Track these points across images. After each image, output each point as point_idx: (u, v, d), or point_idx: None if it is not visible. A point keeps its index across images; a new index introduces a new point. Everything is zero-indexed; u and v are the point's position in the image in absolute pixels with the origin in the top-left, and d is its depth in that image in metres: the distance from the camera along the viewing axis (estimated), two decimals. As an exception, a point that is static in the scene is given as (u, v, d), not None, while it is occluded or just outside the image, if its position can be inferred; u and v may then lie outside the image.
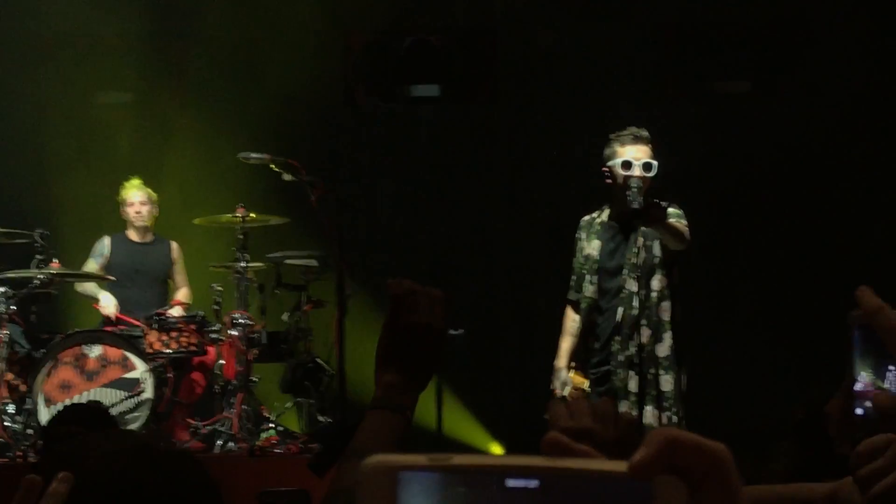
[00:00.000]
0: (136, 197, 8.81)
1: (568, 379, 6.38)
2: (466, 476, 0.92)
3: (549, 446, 0.97)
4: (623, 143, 6.20)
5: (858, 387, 1.75)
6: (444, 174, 10.19)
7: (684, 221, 6.12)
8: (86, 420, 3.71)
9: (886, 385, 1.73)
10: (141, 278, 8.81)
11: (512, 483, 0.91)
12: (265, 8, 10.03)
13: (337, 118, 10.14)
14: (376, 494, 0.92)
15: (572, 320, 6.49)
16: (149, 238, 8.94)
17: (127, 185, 8.86)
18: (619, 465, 0.91)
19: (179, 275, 9.05)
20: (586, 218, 6.48)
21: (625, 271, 6.17)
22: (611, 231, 6.33)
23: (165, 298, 8.87)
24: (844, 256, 9.31)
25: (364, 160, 10.21)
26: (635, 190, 6.02)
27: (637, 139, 6.19)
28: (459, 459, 0.92)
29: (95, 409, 3.90)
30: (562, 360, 6.46)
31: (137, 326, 8.28)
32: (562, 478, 0.91)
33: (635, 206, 6.03)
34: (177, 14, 10.09)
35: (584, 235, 6.44)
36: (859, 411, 1.73)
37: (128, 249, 8.86)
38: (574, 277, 6.47)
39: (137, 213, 8.80)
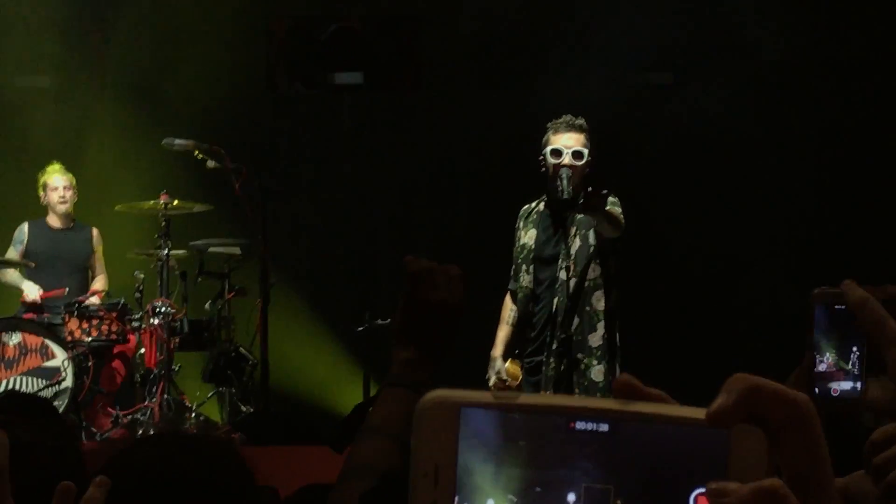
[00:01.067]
0: (59, 182, 8.68)
1: (502, 368, 6.40)
2: (532, 416, 0.89)
3: (621, 388, 0.91)
4: (556, 131, 6.20)
5: (821, 367, 1.77)
6: (367, 162, 10.16)
7: (619, 209, 6.13)
8: (23, 409, 3.65)
9: (849, 366, 1.75)
10: (61, 265, 8.68)
11: (580, 425, 0.88)
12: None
13: (260, 105, 10.06)
14: (436, 428, 0.89)
15: (510, 309, 6.49)
16: (69, 224, 8.82)
17: (49, 169, 8.72)
18: (696, 412, 0.87)
19: (98, 263, 8.93)
20: (525, 207, 6.48)
21: (560, 261, 6.17)
22: (547, 220, 6.33)
23: (85, 286, 8.76)
24: (781, 245, 9.45)
25: (287, 148, 10.15)
26: (565, 180, 6.04)
27: (570, 127, 6.19)
28: (526, 399, 0.89)
29: (35, 400, 3.84)
30: (497, 349, 6.47)
31: (62, 298, 8.17)
32: (633, 422, 0.88)
33: (564, 196, 6.05)
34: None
35: (521, 225, 6.43)
36: (816, 390, 1.74)
37: (47, 236, 8.73)
38: (513, 267, 6.47)
39: (62, 197, 8.67)
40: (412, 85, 10.28)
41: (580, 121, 6.21)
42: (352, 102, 10.32)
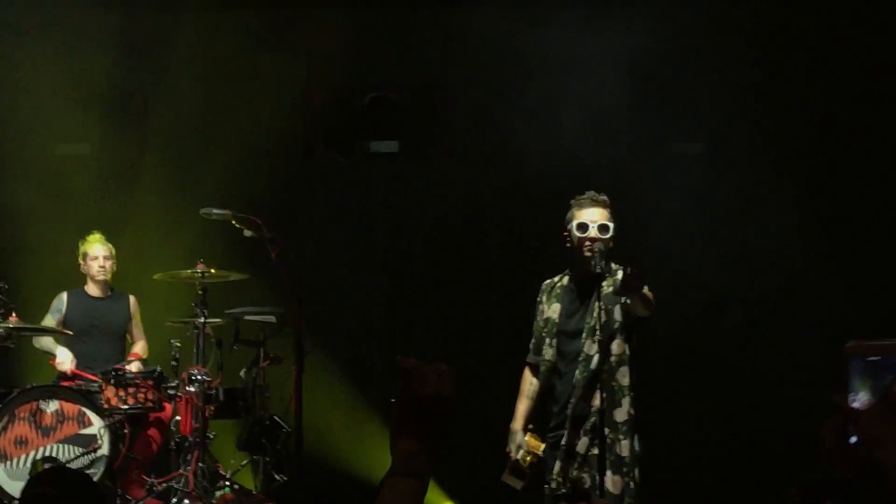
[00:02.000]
0: (99, 251, 8.81)
1: (523, 441, 6.40)
2: None
3: None
4: (581, 207, 6.28)
5: (856, 405, 1.81)
6: (402, 230, 10.22)
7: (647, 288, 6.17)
8: (65, 485, 3.71)
9: None
10: (98, 333, 8.78)
11: None
12: (227, 63, 10.04)
13: (297, 173, 10.15)
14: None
15: (529, 383, 6.52)
16: (107, 292, 8.92)
17: (89, 239, 8.85)
18: None
19: (136, 328, 9.03)
20: (548, 281, 6.52)
21: (584, 335, 6.20)
22: (571, 294, 6.37)
23: (123, 353, 8.85)
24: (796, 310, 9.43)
25: (323, 215, 10.21)
26: (597, 254, 6.10)
27: (594, 202, 6.27)
28: None
29: (79, 477, 3.89)
30: (517, 422, 6.49)
31: (94, 381, 8.24)
32: None
33: (597, 270, 6.10)
34: (138, 67, 10.09)
35: (544, 298, 6.48)
36: (853, 439, 1.78)
37: (85, 304, 8.83)
38: (534, 340, 6.50)
39: (101, 267, 8.79)
40: (446, 153, 10.36)
41: (603, 196, 6.29)
42: (387, 171, 10.40)
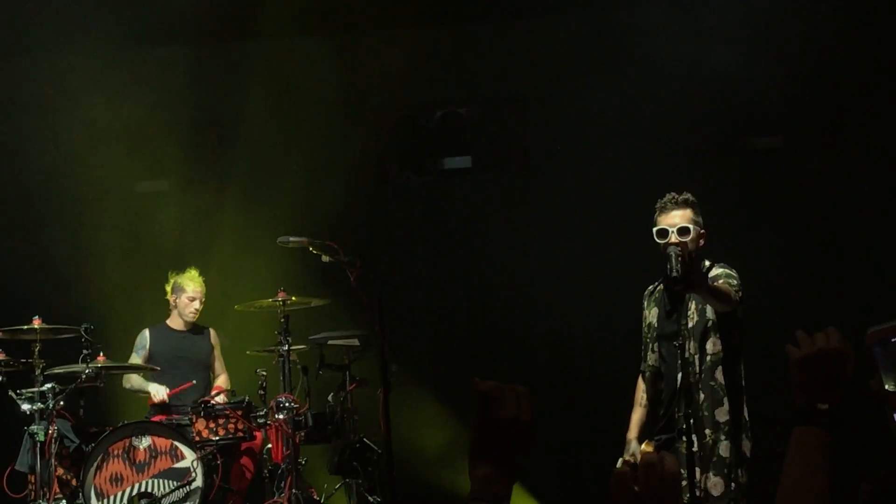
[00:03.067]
0: (196, 292, 8.93)
1: (637, 450, 6.35)
2: None
3: None
4: (662, 211, 6.20)
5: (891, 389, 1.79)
6: (481, 245, 10.21)
7: (735, 281, 6.07)
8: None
9: None
10: (185, 365, 8.89)
11: None
12: (297, 90, 10.13)
13: (372, 195, 10.20)
14: None
15: (641, 391, 6.46)
16: (188, 326, 9.03)
17: (187, 275, 8.95)
18: None
19: (218, 361, 9.14)
20: (650, 287, 6.46)
21: (681, 337, 6.12)
22: (666, 298, 6.31)
23: (209, 385, 8.94)
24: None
25: (400, 235, 10.25)
26: (673, 259, 6.03)
27: (675, 204, 6.18)
28: None
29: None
30: (632, 431, 6.44)
31: (186, 415, 8.32)
32: None
33: (674, 274, 6.03)
34: (211, 100, 10.21)
35: (646, 304, 6.43)
36: None
37: (168, 338, 8.95)
38: (643, 347, 6.44)
39: (196, 309, 8.91)
40: (520, 165, 10.34)
41: (684, 196, 6.18)
42: (462, 186, 10.40)
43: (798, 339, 2.50)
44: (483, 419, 2.28)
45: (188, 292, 8.94)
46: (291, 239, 8.05)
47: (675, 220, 6.14)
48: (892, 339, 1.81)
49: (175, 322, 9.03)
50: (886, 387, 1.82)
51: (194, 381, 8.61)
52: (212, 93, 10.26)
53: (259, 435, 8.39)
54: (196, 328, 9.08)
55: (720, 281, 6.03)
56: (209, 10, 9.71)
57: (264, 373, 8.45)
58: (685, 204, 6.17)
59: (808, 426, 2.46)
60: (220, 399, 8.56)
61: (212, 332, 9.14)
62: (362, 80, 10.10)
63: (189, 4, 9.52)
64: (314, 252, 7.96)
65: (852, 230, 9.50)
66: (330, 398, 8.64)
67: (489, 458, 2.26)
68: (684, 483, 5.92)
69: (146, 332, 8.99)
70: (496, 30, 10.19)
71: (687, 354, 6.07)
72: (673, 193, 6.22)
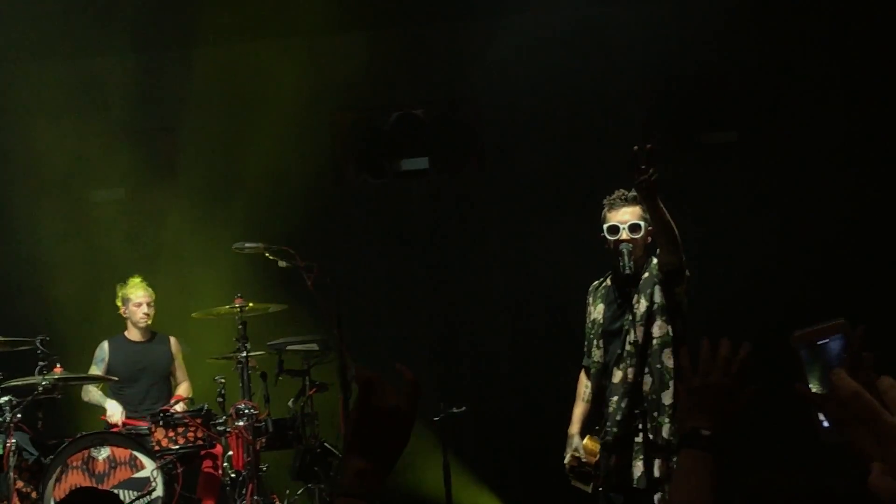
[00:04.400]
0: (141, 297, 8.91)
1: (580, 445, 6.36)
2: None
3: None
4: (612, 208, 6.22)
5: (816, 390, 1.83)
6: (439, 246, 10.20)
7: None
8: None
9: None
10: (144, 377, 8.87)
11: None
12: (250, 95, 10.09)
13: (329, 199, 10.17)
14: None
15: (584, 386, 6.47)
16: (148, 336, 9.00)
17: (130, 283, 8.93)
18: None
19: (179, 370, 9.11)
20: (594, 283, 6.45)
21: (626, 324, 6.12)
22: (613, 294, 6.30)
23: (169, 394, 8.91)
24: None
25: (358, 239, 10.22)
26: (626, 256, 6.06)
27: (625, 201, 6.20)
28: None
29: (108, 497, 3.92)
30: (574, 426, 6.45)
31: (144, 427, 8.29)
32: None
33: (626, 271, 6.06)
34: (163, 106, 10.16)
35: (591, 300, 6.41)
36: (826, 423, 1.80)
37: (128, 350, 8.91)
38: (586, 343, 6.43)
39: (145, 314, 8.89)
40: (478, 165, 10.34)
41: (632, 193, 6.19)
42: (419, 188, 10.39)
43: (700, 356, 2.58)
44: (363, 409, 2.20)
45: (134, 299, 8.91)
46: (247, 245, 8.03)
47: (626, 216, 6.16)
48: (818, 342, 1.84)
49: (133, 333, 9.00)
50: (812, 388, 1.83)
51: (150, 426, 8.39)
52: (166, 99, 10.21)
53: (219, 443, 8.34)
54: (156, 338, 9.05)
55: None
56: (162, 17, 9.67)
57: (223, 380, 8.41)
58: (634, 201, 6.18)
59: (692, 449, 2.57)
60: (179, 407, 8.53)
61: (172, 340, 9.11)
62: (317, 83, 10.07)
63: (143, 12, 9.48)
64: (270, 258, 7.94)
65: (808, 223, 9.54)
66: (290, 404, 8.61)
67: (364, 451, 2.19)
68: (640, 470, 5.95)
69: (105, 344, 8.96)
70: (448, 32, 10.18)
71: (632, 339, 6.06)
72: (622, 190, 6.22)
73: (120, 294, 8.97)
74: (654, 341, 6.08)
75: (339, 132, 10.48)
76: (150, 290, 8.96)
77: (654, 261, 6.10)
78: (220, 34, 9.95)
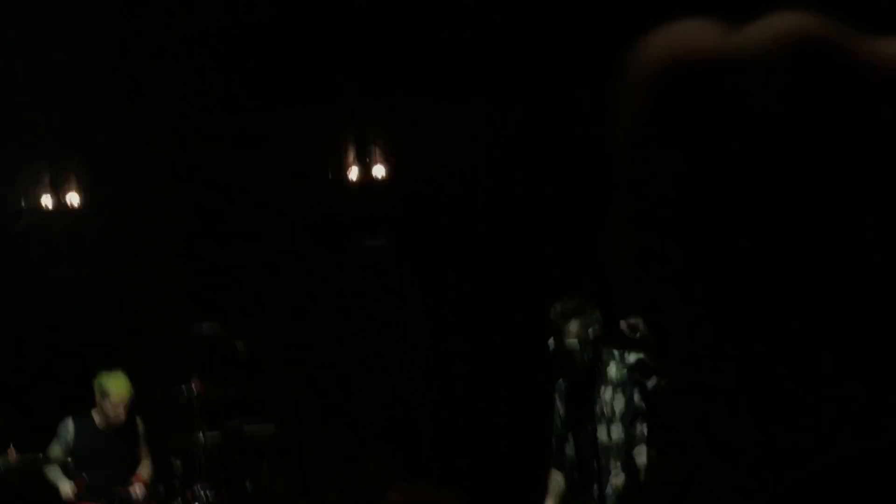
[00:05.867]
0: (123, 399, 8.56)
1: None
2: None
3: None
4: (557, 321, 6.21)
5: None
6: (400, 321, 10.17)
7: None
8: None
9: None
10: (107, 461, 8.65)
11: None
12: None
13: (288, 273, 10.14)
14: None
15: (556, 482, 6.46)
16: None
17: (114, 380, 8.59)
18: None
19: (143, 449, 8.93)
20: (560, 381, 6.46)
21: (598, 422, 6.15)
22: (572, 391, 6.32)
23: (129, 476, 8.78)
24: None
25: (321, 315, 10.17)
26: (575, 357, 6.13)
27: (568, 315, 6.19)
28: None
29: None
30: None
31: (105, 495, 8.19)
32: None
33: (575, 373, 6.16)
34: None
35: (558, 397, 6.44)
36: None
37: (94, 434, 8.65)
38: (554, 440, 6.44)
39: (120, 414, 8.60)
40: (439, 248, 10.32)
41: (573, 303, 6.20)
42: (379, 265, 10.35)
43: None
44: None
45: (112, 398, 8.57)
46: (205, 326, 8.04)
47: (573, 329, 6.18)
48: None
49: (99, 418, 8.74)
50: None
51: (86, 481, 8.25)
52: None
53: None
54: (123, 422, 8.80)
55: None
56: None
57: (178, 462, 8.37)
58: (576, 311, 6.19)
59: None
60: (139, 490, 8.43)
61: (138, 421, 8.85)
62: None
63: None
64: (227, 339, 7.95)
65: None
66: (247, 484, 8.59)
67: None
68: None
69: (69, 424, 8.67)
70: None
71: (603, 438, 6.10)
72: (560, 304, 6.22)
73: (100, 383, 8.60)
74: (633, 440, 6.13)
75: (301, 206, 10.47)
76: (130, 389, 8.59)
77: (627, 359, 6.16)
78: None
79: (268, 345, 8.10)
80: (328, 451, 9.08)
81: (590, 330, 6.16)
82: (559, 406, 6.40)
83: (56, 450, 8.66)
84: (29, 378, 9.68)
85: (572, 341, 6.15)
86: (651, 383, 6.09)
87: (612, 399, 6.13)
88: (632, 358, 6.11)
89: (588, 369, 6.13)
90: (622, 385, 6.13)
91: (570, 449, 6.31)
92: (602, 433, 6.12)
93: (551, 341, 6.19)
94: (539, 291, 6.94)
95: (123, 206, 10.00)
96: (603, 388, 6.16)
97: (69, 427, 8.68)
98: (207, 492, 8.22)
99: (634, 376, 6.09)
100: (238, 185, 9.99)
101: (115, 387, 8.53)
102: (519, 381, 8.82)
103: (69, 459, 8.57)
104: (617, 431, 6.10)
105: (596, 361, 6.15)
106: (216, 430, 8.49)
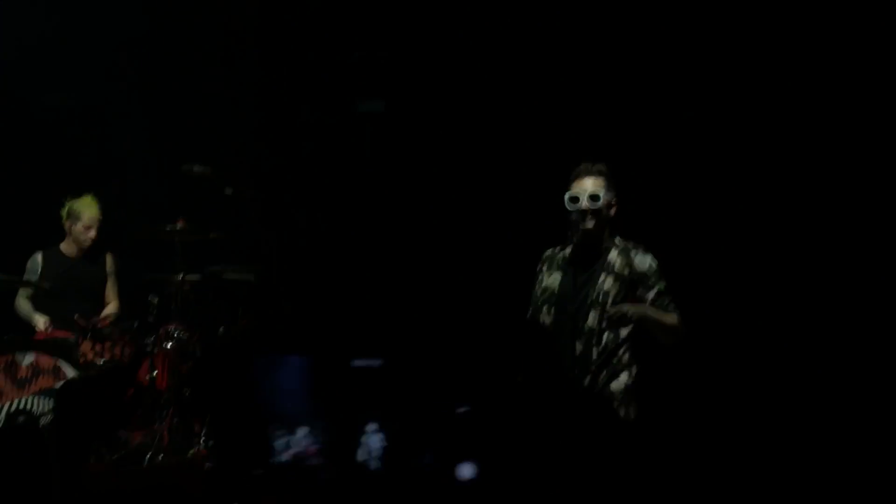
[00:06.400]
0: (93, 220, 8.69)
1: None
2: None
3: None
4: (575, 178, 6.23)
5: None
6: (387, 189, 10.14)
7: (664, 279, 6.14)
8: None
9: None
10: (74, 293, 8.71)
11: None
12: (210, 16, 9.96)
13: (281, 132, 10.09)
14: None
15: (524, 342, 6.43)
16: (82, 252, 8.84)
17: (83, 202, 8.69)
18: None
19: (111, 290, 8.95)
20: (550, 251, 6.39)
21: (587, 307, 6.13)
22: (574, 265, 6.29)
23: (99, 311, 8.80)
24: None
25: (308, 175, 10.14)
26: (580, 224, 6.10)
27: (588, 172, 6.22)
28: None
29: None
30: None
31: (70, 338, 8.20)
32: None
33: (576, 241, 6.12)
34: (120, 21, 9.98)
35: (545, 267, 6.36)
36: None
37: (61, 264, 8.75)
38: (531, 308, 6.41)
39: (91, 237, 8.69)
40: (434, 111, 10.29)
41: (599, 166, 6.22)
42: (373, 130, 10.33)
43: None
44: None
45: (83, 220, 8.71)
46: (196, 167, 7.97)
47: (588, 186, 6.18)
48: None
49: (69, 248, 8.83)
50: None
51: (75, 336, 8.31)
52: (123, 14, 10.03)
53: (144, 361, 8.28)
54: (91, 254, 8.89)
55: (658, 301, 6.10)
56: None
57: (156, 300, 8.37)
58: (598, 173, 6.21)
59: None
60: (95, 319, 8.45)
61: (108, 258, 8.94)
62: (283, 15, 9.98)
63: None
64: (217, 183, 7.89)
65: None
66: (220, 331, 8.59)
67: None
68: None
69: (38, 257, 8.79)
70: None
71: (592, 325, 6.08)
72: (587, 163, 6.25)
73: (68, 207, 8.73)
74: (612, 335, 6.10)
75: (299, 67, 10.40)
76: (100, 211, 8.74)
77: (639, 264, 6.14)
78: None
79: (256, 195, 8.01)
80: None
81: (602, 194, 6.13)
82: (543, 275, 6.35)
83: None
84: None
85: (578, 193, 6.16)
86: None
87: (604, 281, 6.12)
88: (637, 260, 6.12)
89: (589, 238, 6.11)
90: (620, 280, 6.11)
91: (547, 321, 6.26)
92: (592, 318, 6.11)
93: (568, 195, 6.18)
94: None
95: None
96: (603, 274, 6.14)
97: (38, 259, 8.75)
98: (181, 332, 8.22)
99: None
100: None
101: (86, 207, 8.63)
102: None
103: (40, 289, 8.61)
104: (594, 318, 6.09)
105: (599, 233, 6.13)
106: (196, 273, 8.48)
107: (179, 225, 8.36)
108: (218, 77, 9.91)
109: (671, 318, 6.09)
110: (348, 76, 10.23)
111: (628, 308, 5.97)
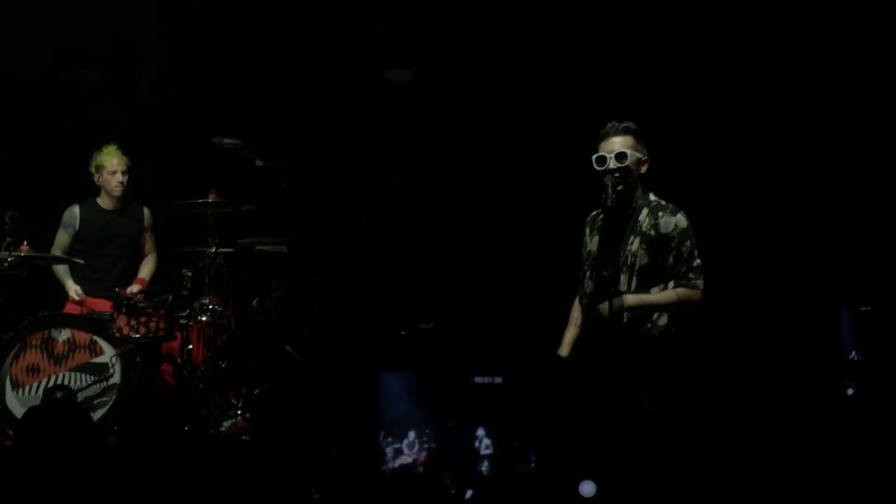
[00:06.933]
0: (117, 165, 8.67)
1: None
2: None
3: None
4: (602, 138, 6.18)
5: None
6: (417, 159, 10.12)
7: (696, 261, 6.08)
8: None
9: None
10: (112, 248, 8.71)
11: None
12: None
13: (309, 101, 10.06)
14: None
15: (577, 312, 6.38)
16: (121, 205, 8.82)
17: (106, 151, 8.68)
18: None
19: (149, 242, 8.92)
20: (593, 213, 6.36)
21: (619, 268, 6.09)
22: (607, 226, 6.24)
23: (135, 270, 8.78)
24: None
25: (336, 145, 10.13)
26: (609, 187, 6.04)
27: (615, 131, 6.15)
28: None
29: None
30: (563, 349, 6.37)
31: (105, 312, 8.22)
32: None
33: (608, 203, 6.05)
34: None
35: (588, 231, 6.32)
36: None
37: (99, 217, 8.74)
38: (581, 272, 6.37)
39: (119, 182, 8.68)
40: (464, 81, 10.26)
41: (626, 123, 6.15)
42: (402, 99, 10.30)
43: None
44: None
45: (108, 167, 8.68)
46: (227, 140, 7.95)
47: (615, 146, 6.12)
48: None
49: (105, 201, 8.78)
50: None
51: (112, 311, 8.30)
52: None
53: (180, 335, 8.30)
54: (128, 208, 8.84)
55: (677, 268, 6.03)
56: None
57: (190, 273, 8.38)
58: (626, 131, 6.14)
59: None
60: (136, 289, 8.45)
61: (146, 211, 8.89)
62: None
63: None
64: (248, 155, 7.87)
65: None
66: (254, 304, 8.61)
67: None
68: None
69: (76, 209, 8.76)
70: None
71: (622, 289, 6.03)
72: (614, 121, 6.18)
73: (95, 161, 8.71)
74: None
75: (326, 36, 10.35)
76: (125, 157, 8.71)
77: (666, 224, 6.08)
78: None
79: (288, 168, 7.95)
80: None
81: (630, 152, 6.08)
82: (587, 238, 6.33)
83: (62, 235, 8.70)
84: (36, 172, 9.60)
85: (605, 153, 6.11)
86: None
87: (631, 246, 6.07)
88: (664, 220, 6.06)
89: (620, 198, 6.06)
90: (647, 241, 6.06)
91: (590, 286, 6.23)
92: (623, 280, 6.06)
93: (595, 156, 6.13)
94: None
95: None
96: (632, 236, 6.09)
97: (75, 212, 8.75)
98: (215, 305, 8.23)
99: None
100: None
101: (108, 155, 8.62)
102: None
103: (77, 245, 8.62)
104: (626, 281, 6.06)
105: (630, 193, 6.09)
106: (229, 246, 8.48)
107: (211, 198, 8.36)
108: (249, 48, 9.88)
109: (664, 297, 6.00)
110: (376, 45, 10.17)
111: (603, 309, 5.92)
